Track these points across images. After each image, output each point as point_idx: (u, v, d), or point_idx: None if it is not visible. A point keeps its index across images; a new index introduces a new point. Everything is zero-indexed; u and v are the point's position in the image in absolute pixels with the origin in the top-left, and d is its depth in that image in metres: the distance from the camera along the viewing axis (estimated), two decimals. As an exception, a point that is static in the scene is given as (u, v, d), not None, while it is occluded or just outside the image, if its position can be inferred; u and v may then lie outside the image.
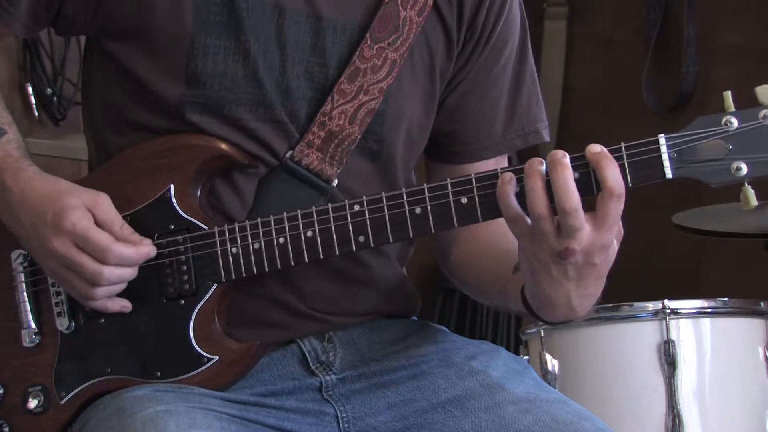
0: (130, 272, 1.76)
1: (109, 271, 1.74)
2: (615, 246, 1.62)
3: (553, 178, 1.59)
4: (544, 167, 1.60)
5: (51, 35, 3.46)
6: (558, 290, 1.65)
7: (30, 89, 3.45)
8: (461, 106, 1.93)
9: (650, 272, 4.07)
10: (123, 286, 1.77)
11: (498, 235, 1.86)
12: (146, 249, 1.76)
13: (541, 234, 1.60)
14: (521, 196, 1.62)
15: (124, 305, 1.78)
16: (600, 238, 1.59)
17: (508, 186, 1.62)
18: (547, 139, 1.98)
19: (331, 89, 1.83)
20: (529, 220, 1.61)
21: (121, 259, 1.74)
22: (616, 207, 1.58)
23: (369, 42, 1.83)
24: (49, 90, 3.48)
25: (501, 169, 1.66)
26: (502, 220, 1.66)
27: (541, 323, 2.74)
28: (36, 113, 3.46)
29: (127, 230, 1.76)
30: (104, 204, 1.77)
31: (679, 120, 3.97)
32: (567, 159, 1.59)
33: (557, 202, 1.58)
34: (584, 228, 1.58)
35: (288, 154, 1.82)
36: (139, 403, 1.71)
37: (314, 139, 1.83)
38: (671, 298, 2.68)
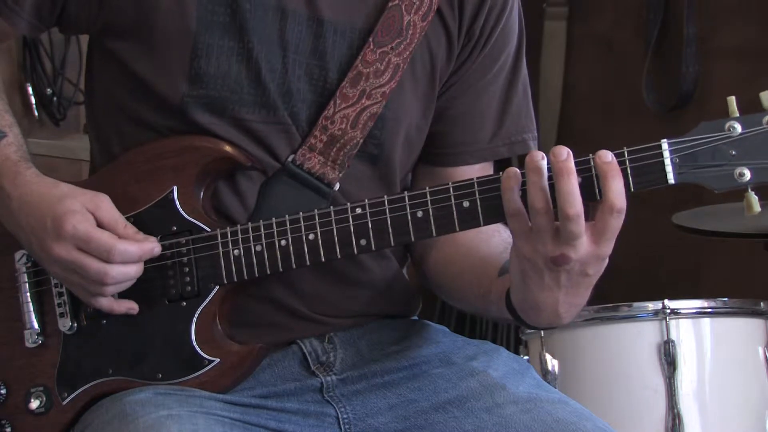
0: (136, 269, 1.75)
1: (115, 270, 1.73)
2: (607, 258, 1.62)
3: (559, 185, 1.57)
4: (545, 162, 1.59)
5: (51, 35, 3.45)
6: (547, 296, 1.64)
7: (30, 89, 3.45)
8: (450, 108, 1.93)
9: (650, 272, 4.07)
10: (130, 284, 1.77)
11: (479, 239, 1.86)
12: (150, 245, 1.76)
13: (539, 232, 1.59)
14: (523, 195, 1.61)
15: (131, 306, 1.78)
16: (597, 250, 1.59)
17: (513, 180, 1.60)
18: (535, 150, 1.96)
19: (332, 93, 1.83)
20: (529, 222, 1.60)
21: (126, 256, 1.73)
22: (615, 221, 1.58)
23: (372, 46, 1.83)
24: (49, 90, 3.48)
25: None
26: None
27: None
28: (36, 113, 3.46)
29: (131, 229, 1.76)
30: (105, 205, 1.77)
31: (679, 120, 3.97)
32: (572, 163, 1.58)
33: (560, 207, 1.57)
34: (583, 236, 1.58)
35: (290, 158, 1.82)
36: (141, 407, 1.71)
37: (316, 143, 1.83)
38: (671, 298, 2.68)
